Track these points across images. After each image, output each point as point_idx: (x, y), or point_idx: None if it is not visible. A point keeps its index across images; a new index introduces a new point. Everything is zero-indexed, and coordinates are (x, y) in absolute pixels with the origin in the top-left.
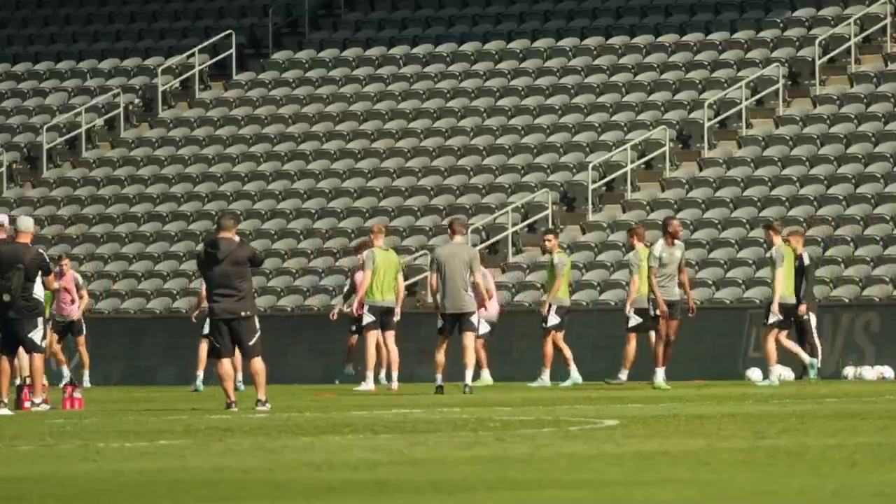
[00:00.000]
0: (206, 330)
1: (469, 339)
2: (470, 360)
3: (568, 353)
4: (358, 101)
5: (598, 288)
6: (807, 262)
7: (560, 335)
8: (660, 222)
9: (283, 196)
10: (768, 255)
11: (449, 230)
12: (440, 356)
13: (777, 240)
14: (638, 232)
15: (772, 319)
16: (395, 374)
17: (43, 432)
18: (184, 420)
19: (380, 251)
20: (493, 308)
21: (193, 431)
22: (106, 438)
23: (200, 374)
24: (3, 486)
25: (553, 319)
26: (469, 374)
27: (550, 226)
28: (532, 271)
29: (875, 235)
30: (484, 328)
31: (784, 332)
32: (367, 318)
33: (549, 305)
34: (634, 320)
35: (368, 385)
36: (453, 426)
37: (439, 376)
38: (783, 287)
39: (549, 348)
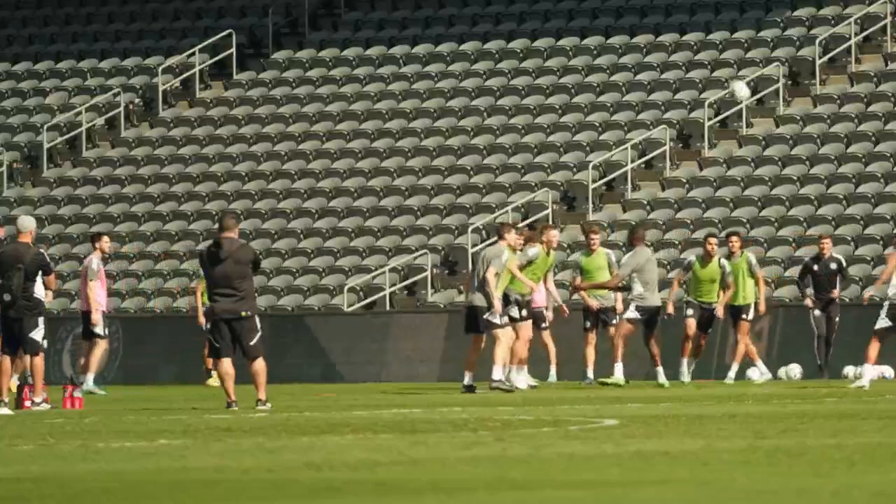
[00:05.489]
0: (79, 329)
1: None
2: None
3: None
4: (358, 100)
5: None
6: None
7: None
8: (660, 222)
9: (283, 195)
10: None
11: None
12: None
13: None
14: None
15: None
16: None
17: (43, 432)
18: (184, 420)
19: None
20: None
21: (193, 431)
22: (106, 438)
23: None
24: (3, 486)
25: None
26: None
27: (714, 230)
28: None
29: (875, 235)
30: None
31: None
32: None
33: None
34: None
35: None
36: (453, 426)
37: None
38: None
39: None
